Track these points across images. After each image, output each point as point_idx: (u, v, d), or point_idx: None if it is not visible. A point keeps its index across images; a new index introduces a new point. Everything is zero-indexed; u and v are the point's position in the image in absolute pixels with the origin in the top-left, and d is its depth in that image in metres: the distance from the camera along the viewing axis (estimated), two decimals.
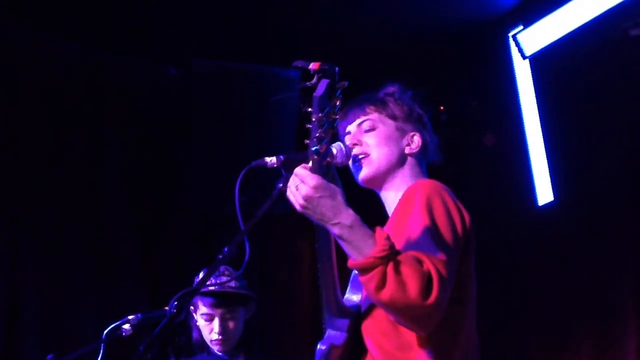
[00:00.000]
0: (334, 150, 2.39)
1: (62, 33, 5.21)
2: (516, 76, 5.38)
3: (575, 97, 4.93)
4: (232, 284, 3.65)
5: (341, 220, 2.05)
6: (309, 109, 2.03)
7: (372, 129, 2.54)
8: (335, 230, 2.07)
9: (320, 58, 2.06)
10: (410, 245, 2.12)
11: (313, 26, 5.44)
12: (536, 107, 5.20)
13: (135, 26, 5.31)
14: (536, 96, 5.21)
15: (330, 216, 2.06)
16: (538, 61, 5.15)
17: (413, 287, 1.96)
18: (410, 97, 2.64)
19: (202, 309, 3.60)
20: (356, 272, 2.11)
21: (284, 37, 5.41)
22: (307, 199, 2.06)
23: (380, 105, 2.58)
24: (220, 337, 3.57)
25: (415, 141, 2.56)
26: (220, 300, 3.58)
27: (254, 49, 5.47)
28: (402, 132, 2.55)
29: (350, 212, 2.07)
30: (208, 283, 3.52)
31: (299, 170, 2.09)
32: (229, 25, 5.36)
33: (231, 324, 3.60)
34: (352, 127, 2.57)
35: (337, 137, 2.59)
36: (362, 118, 2.56)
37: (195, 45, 5.49)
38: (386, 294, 1.98)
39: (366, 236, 2.05)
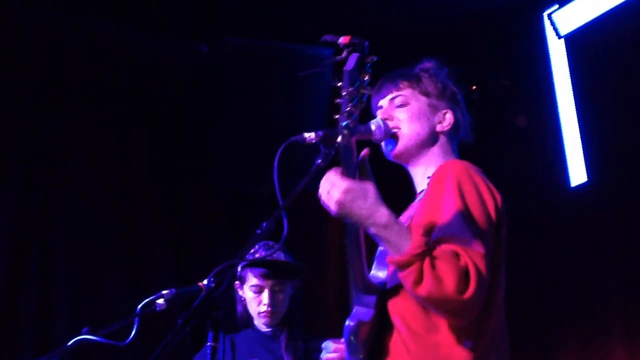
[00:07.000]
0: (373, 127, 2.41)
1: (93, 11, 5.21)
2: (550, 56, 5.33)
3: (610, 78, 4.88)
4: (282, 257, 3.68)
5: (376, 220, 2.10)
6: (340, 84, 2.04)
7: (404, 104, 2.54)
8: (372, 230, 2.12)
9: (351, 35, 2.06)
10: (445, 234, 2.13)
11: (344, 3, 5.40)
12: (570, 87, 5.16)
13: (167, 4, 5.31)
14: (570, 76, 5.17)
15: (364, 217, 2.10)
16: (573, 41, 5.11)
17: (450, 282, 2.01)
18: (446, 75, 2.63)
19: (252, 280, 3.62)
20: (383, 251, 2.11)
21: (315, 15, 5.38)
22: (339, 204, 2.10)
23: (414, 81, 2.58)
24: (268, 309, 3.59)
25: (447, 119, 2.55)
26: (271, 272, 3.60)
27: (285, 27, 5.44)
28: (434, 109, 2.55)
29: (384, 210, 2.11)
30: (257, 255, 3.55)
31: (331, 176, 2.11)
32: (260, 2, 5.34)
33: (279, 297, 3.63)
34: (384, 102, 2.58)
35: (368, 111, 2.59)
36: (395, 93, 2.56)
37: (227, 23, 5.47)
38: (424, 289, 2.03)
39: (402, 233, 2.09)
